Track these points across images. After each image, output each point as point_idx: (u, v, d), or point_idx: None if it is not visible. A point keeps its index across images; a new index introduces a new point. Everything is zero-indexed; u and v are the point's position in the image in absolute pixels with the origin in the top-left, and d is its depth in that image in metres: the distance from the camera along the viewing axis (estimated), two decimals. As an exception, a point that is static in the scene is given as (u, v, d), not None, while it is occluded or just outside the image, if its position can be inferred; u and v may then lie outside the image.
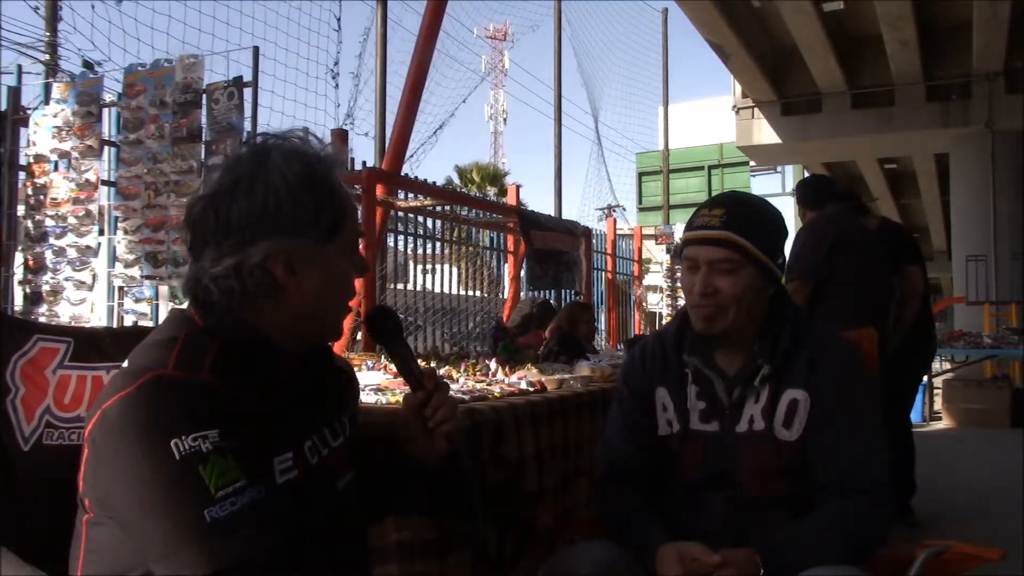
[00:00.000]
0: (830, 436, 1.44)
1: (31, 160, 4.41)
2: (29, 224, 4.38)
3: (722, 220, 1.47)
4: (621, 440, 1.62)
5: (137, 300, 4.27)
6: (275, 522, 1.01)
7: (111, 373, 1.25)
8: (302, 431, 1.16)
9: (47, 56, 4.60)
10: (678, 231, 9.43)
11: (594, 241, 7.83)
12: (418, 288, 6.89)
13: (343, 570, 1.19)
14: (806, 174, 17.10)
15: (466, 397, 2.36)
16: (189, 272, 1.12)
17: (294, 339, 1.15)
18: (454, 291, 7.10)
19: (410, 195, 5.52)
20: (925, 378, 8.71)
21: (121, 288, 4.33)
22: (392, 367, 2.81)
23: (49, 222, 4.35)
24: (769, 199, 1.68)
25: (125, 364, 1.07)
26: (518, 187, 7.17)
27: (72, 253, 4.29)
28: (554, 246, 6.01)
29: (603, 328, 8.67)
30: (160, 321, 1.30)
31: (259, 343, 1.11)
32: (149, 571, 1.00)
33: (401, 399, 2.08)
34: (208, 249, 1.08)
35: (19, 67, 4.59)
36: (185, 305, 1.15)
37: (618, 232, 9.70)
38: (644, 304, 10.00)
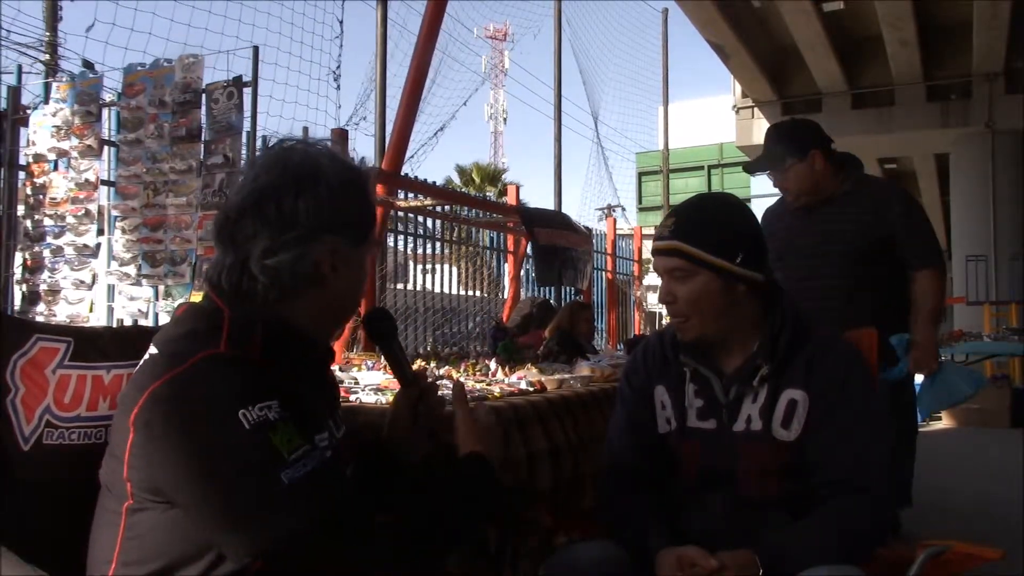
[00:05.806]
0: (829, 436, 1.44)
1: (30, 160, 4.41)
2: (28, 224, 4.38)
3: (671, 229, 1.50)
4: (623, 438, 1.63)
5: (134, 300, 4.27)
6: (339, 485, 1.06)
7: (111, 372, 1.26)
8: (323, 418, 1.20)
9: (47, 56, 4.60)
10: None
11: (594, 241, 7.83)
12: (418, 288, 6.89)
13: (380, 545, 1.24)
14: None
15: (466, 397, 2.36)
16: (224, 260, 1.13)
17: (315, 333, 1.19)
18: (454, 291, 7.10)
19: (410, 195, 5.52)
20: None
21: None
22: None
23: (48, 222, 4.34)
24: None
25: (154, 351, 1.08)
26: (518, 187, 7.17)
27: (70, 252, 4.29)
28: (559, 242, 5.99)
29: (603, 328, 8.66)
30: (160, 320, 1.31)
31: (294, 331, 1.14)
32: (202, 554, 1.01)
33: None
34: (259, 239, 1.10)
35: (19, 67, 4.59)
36: (193, 299, 1.17)
37: (618, 232, 9.69)
38: (644, 304, 10.00)
